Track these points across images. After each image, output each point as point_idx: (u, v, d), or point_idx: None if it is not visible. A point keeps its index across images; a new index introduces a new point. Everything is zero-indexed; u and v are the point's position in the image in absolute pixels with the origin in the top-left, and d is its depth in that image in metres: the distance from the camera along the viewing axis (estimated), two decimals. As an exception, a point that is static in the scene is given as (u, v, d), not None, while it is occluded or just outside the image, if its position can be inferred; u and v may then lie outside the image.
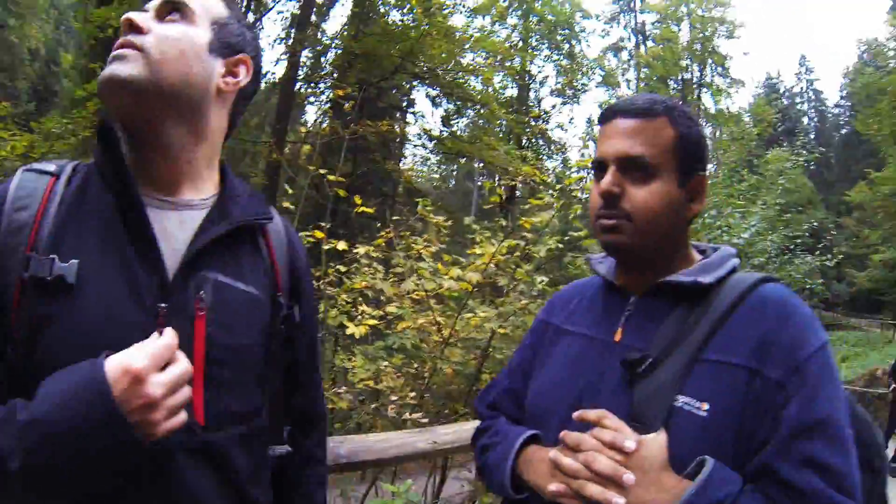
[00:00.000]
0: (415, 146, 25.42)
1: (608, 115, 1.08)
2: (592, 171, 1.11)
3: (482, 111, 19.58)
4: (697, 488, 0.84)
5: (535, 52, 31.93)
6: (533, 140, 27.32)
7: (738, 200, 12.42)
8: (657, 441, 0.89)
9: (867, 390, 16.55)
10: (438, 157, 26.43)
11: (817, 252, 16.42)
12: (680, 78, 41.14)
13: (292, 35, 19.86)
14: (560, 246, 5.42)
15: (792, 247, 14.42)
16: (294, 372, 1.10)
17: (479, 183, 30.09)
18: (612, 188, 1.02)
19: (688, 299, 1.01)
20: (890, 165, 32.88)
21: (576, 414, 0.98)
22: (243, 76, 1.07)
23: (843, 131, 59.10)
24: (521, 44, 30.83)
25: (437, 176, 35.10)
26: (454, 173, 38.46)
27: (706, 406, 0.91)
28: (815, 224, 33.45)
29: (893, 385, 8.02)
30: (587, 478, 0.89)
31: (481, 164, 21.92)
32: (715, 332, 0.96)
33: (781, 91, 67.14)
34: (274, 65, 19.08)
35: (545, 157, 27.22)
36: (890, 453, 8.06)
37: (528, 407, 1.18)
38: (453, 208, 22.98)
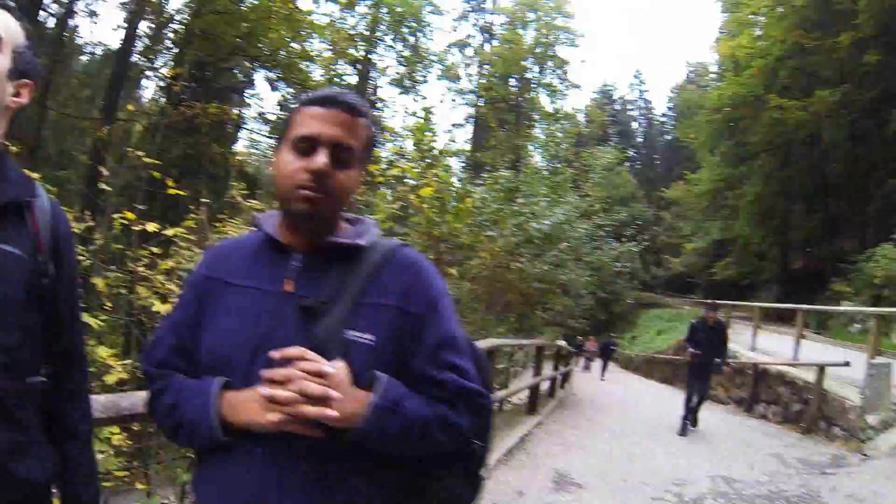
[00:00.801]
0: (251, 130, 25.09)
1: (326, 102, 1.20)
2: (288, 142, 1.22)
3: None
4: (381, 393, 1.11)
5: (377, 43, 32.37)
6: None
7: (553, 191, 13.30)
8: (342, 366, 1.11)
9: (676, 357, 19.11)
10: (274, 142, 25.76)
11: (634, 241, 18.06)
12: (520, 76, 43.15)
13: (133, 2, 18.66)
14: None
15: (603, 234, 15.69)
16: (56, 320, 1.27)
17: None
18: (328, 168, 1.16)
19: (346, 257, 1.23)
20: (703, 169, 36.66)
21: (277, 353, 1.10)
22: (25, 97, 1.27)
23: (667, 137, 65.11)
24: (367, 33, 31.11)
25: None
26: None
27: (371, 337, 1.15)
28: (634, 216, 36.54)
29: (689, 349, 9.10)
30: (302, 402, 1.06)
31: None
32: (372, 282, 1.20)
33: (615, 98, 72.89)
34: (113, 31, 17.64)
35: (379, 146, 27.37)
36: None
37: (205, 359, 1.24)
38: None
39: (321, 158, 1.16)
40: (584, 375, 22.58)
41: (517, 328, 11.53)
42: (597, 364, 24.20)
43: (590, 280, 13.15)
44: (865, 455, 6.87)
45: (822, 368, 8.82)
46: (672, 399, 12.59)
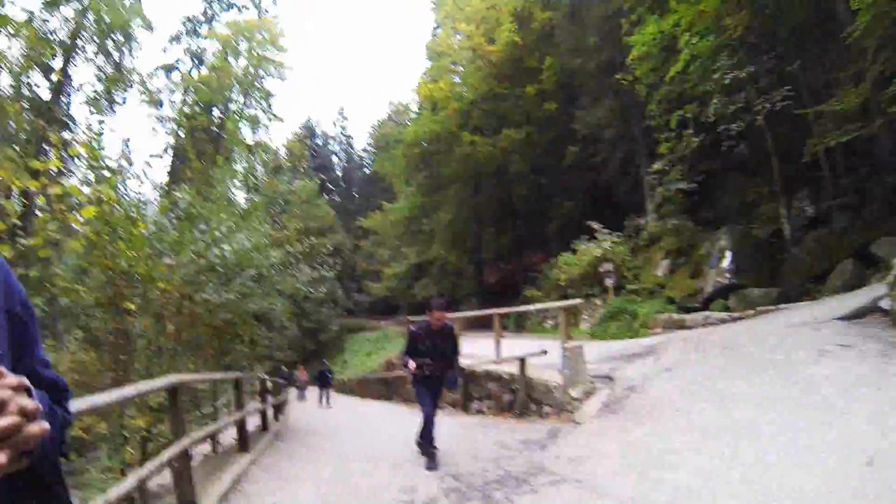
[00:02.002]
0: None
1: None
2: None
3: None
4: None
5: (76, 54, 27.83)
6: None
7: (241, 219, 12.79)
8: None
9: (386, 375, 19.60)
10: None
11: (330, 267, 18.43)
12: (224, 106, 41.04)
13: None
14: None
15: (293, 261, 15.31)
16: None
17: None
18: None
19: None
20: (400, 199, 39.01)
21: None
22: None
23: (366, 171, 68.34)
24: (68, 41, 26.71)
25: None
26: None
27: None
28: (333, 246, 37.10)
29: (408, 361, 8.47)
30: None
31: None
32: None
33: (318, 133, 74.47)
34: None
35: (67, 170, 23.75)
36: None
37: None
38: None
39: None
40: (302, 405, 21.90)
41: (217, 364, 10.46)
42: (313, 393, 23.57)
43: (283, 308, 12.64)
44: (577, 422, 7.49)
45: (522, 360, 9.52)
46: (391, 414, 13.07)
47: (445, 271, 36.08)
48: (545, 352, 9.69)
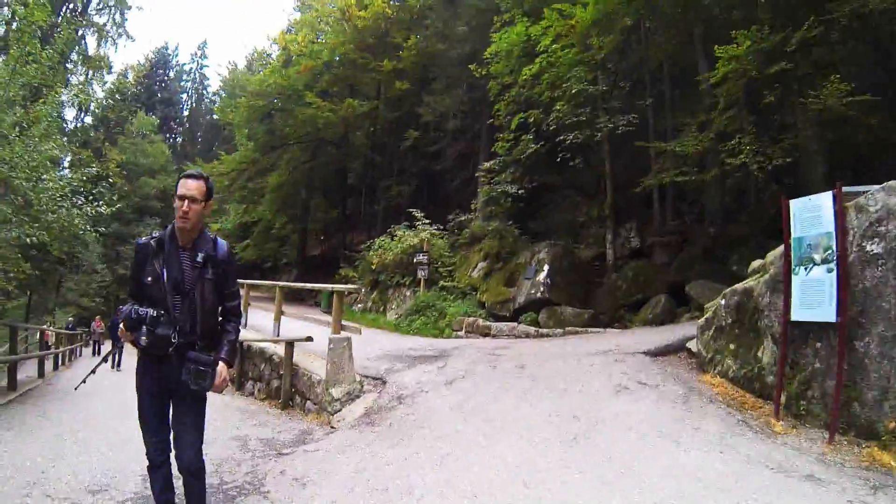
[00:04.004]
0: None
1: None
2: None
3: None
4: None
5: None
6: None
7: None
8: None
9: None
10: None
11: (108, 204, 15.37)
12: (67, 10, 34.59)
13: None
14: None
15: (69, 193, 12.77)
16: None
17: None
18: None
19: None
20: (238, 149, 34.71)
21: None
22: None
23: (214, 116, 62.07)
24: None
25: None
26: None
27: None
28: (162, 188, 32.91)
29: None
30: None
31: None
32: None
33: (172, 64, 66.78)
34: None
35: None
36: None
37: None
38: None
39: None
40: (92, 362, 18.23)
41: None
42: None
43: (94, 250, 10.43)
44: (333, 427, 6.61)
45: (291, 344, 8.54)
46: None
47: (269, 236, 33.09)
48: (310, 338, 8.92)
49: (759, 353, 6.26)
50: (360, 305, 19.74)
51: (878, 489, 3.99)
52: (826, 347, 5.40)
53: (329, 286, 10.10)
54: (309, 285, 13.86)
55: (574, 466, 4.52)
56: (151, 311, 3.07)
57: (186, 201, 3.10)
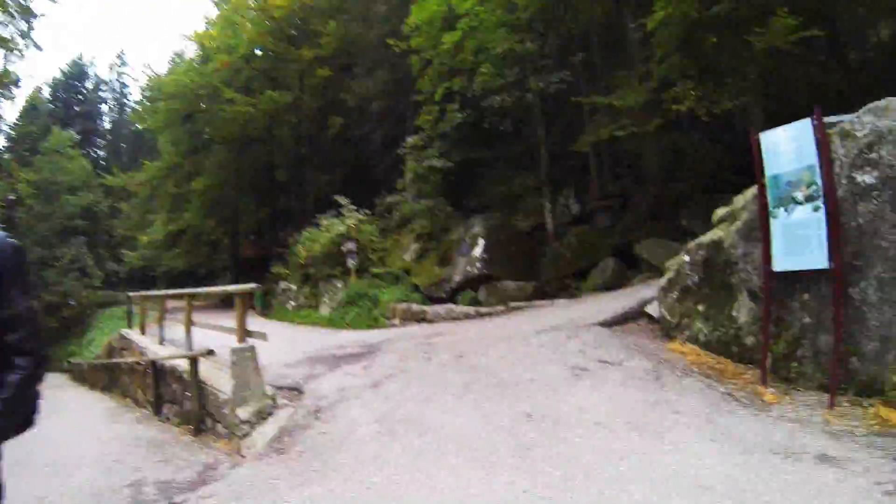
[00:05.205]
0: None
1: None
2: None
3: None
4: None
5: None
6: None
7: None
8: None
9: (107, 361, 14.11)
10: None
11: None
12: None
13: None
14: None
15: None
16: None
17: None
18: None
19: None
20: (162, 156, 32.53)
21: None
22: None
23: (138, 126, 58.59)
24: None
25: None
26: None
27: None
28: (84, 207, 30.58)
29: None
30: None
31: None
32: None
33: (90, 75, 62.78)
34: None
35: None
36: None
37: None
38: None
39: None
40: None
41: None
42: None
43: None
44: (243, 456, 5.42)
45: (194, 360, 7.02)
46: (80, 428, 7.96)
47: (200, 241, 30.95)
48: (212, 351, 7.03)
49: (735, 313, 5.52)
50: (292, 303, 18.24)
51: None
52: (815, 298, 4.65)
53: (231, 287, 8.38)
54: (215, 289, 11.48)
55: (534, 492, 3.43)
56: None
57: None
